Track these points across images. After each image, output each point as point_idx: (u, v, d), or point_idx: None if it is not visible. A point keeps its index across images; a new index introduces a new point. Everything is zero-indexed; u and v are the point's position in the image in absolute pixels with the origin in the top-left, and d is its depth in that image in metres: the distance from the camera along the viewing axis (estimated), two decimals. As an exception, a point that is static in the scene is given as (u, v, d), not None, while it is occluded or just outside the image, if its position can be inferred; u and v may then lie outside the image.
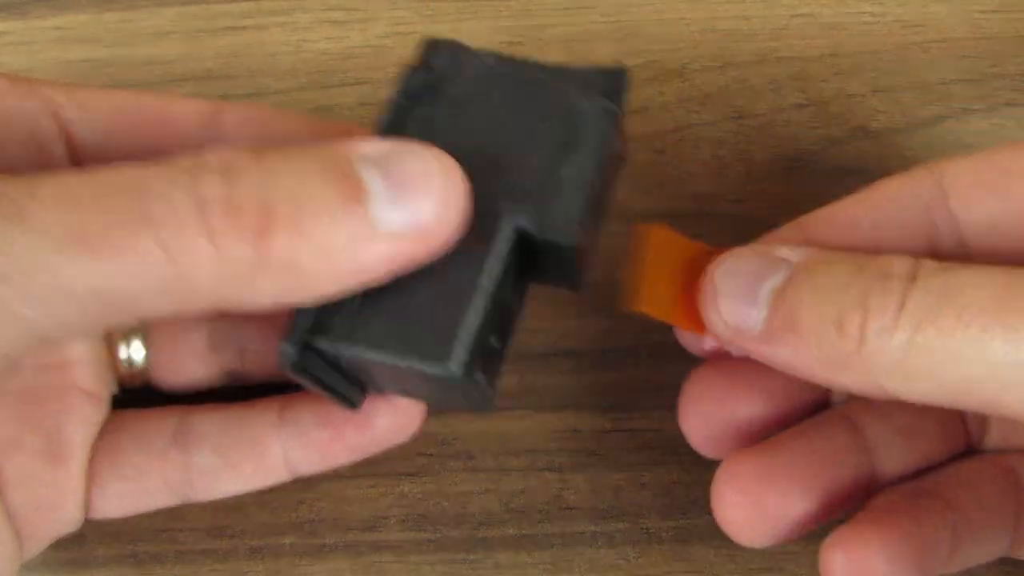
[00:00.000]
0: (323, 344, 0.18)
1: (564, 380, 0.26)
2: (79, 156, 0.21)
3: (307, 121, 0.22)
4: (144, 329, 0.24)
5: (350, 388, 0.21)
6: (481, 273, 0.18)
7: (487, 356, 0.19)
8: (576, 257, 0.19)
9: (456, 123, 0.20)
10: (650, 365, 0.26)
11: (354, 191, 0.16)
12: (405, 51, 0.29)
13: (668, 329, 0.26)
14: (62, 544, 0.24)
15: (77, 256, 0.15)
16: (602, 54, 0.29)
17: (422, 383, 0.19)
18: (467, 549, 0.25)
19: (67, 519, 0.22)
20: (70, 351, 0.22)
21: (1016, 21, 0.29)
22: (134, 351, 0.24)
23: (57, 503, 0.22)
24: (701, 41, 0.29)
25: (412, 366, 0.18)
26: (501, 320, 0.19)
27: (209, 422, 0.23)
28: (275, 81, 0.29)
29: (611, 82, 0.20)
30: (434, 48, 0.21)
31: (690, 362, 0.26)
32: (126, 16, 0.29)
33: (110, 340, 0.24)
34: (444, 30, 0.29)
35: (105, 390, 0.23)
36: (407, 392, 0.21)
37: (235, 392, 0.24)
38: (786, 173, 0.27)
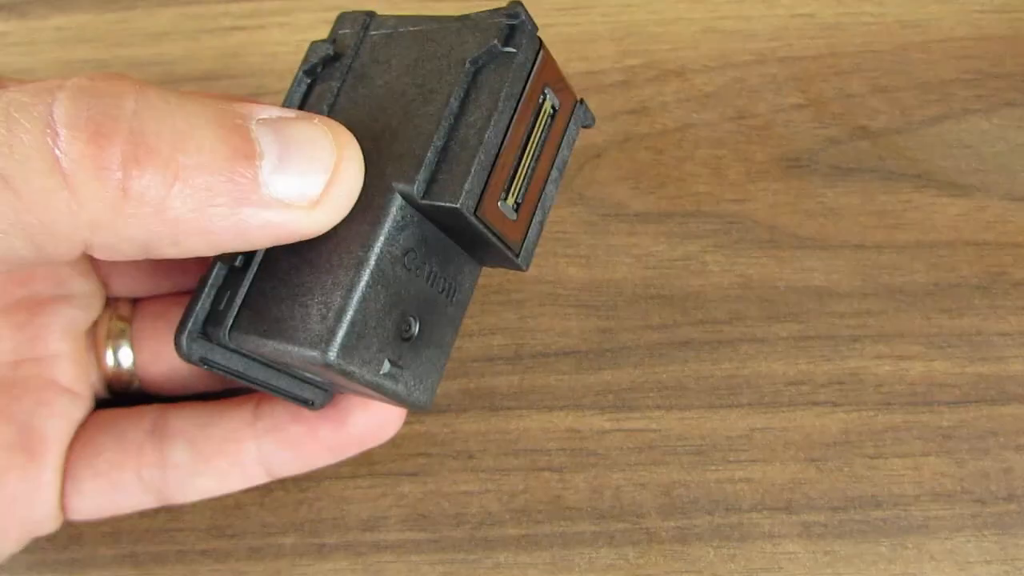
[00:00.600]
0: (216, 335, 0.18)
1: (564, 380, 0.26)
2: None
3: None
4: (131, 331, 0.23)
5: (296, 384, 0.20)
6: (367, 248, 0.16)
7: (396, 344, 0.17)
8: (483, 225, 0.17)
9: (355, 93, 0.19)
10: (650, 365, 0.26)
11: (245, 148, 0.15)
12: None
13: (668, 329, 0.26)
14: (62, 544, 0.24)
15: None
16: (602, 54, 0.29)
17: (328, 374, 0.18)
18: (467, 549, 0.25)
19: (40, 517, 0.21)
20: (50, 345, 0.22)
21: (1016, 21, 0.29)
22: (121, 354, 0.23)
23: (29, 499, 0.21)
24: (701, 41, 0.29)
25: (294, 353, 0.17)
26: (420, 305, 0.18)
27: (185, 418, 0.22)
28: (275, 81, 0.29)
29: (509, 23, 0.18)
30: (342, 21, 0.20)
31: (690, 362, 0.26)
32: (126, 16, 0.29)
33: (96, 340, 0.23)
34: (444, 30, 0.29)
35: (86, 388, 0.23)
36: (341, 387, 0.20)
37: (222, 395, 0.24)
38: (786, 173, 0.27)
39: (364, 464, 0.25)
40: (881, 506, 0.24)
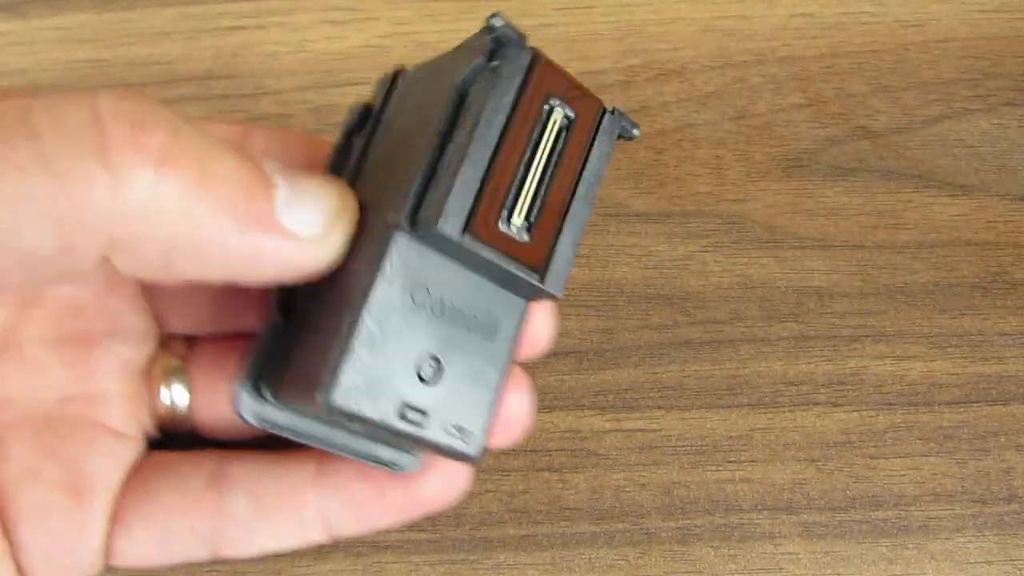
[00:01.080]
0: (267, 394, 0.18)
1: (564, 380, 0.26)
2: None
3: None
4: (187, 371, 0.22)
5: (367, 444, 0.19)
6: (366, 288, 0.16)
7: (415, 386, 0.17)
8: (480, 247, 0.16)
9: (378, 143, 0.19)
10: (650, 365, 0.26)
11: (262, 176, 0.16)
12: (405, 51, 0.29)
13: (668, 329, 0.26)
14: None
15: None
16: (602, 54, 0.29)
17: (341, 420, 0.17)
18: (467, 549, 0.25)
19: (84, 562, 0.20)
20: (102, 384, 0.21)
21: (1016, 21, 0.29)
22: (176, 394, 0.22)
23: (74, 542, 0.20)
24: (701, 41, 0.29)
25: (308, 401, 0.16)
26: (442, 344, 0.17)
27: (246, 468, 0.21)
28: (275, 81, 0.29)
29: (492, 38, 0.17)
30: (378, 84, 0.21)
31: (690, 362, 0.26)
32: (126, 16, 0.29)
33: (150, 379, 0.22)
34: (444, 30, 0.29)
35: (138, 429, 0.22)
36: (399, 444, 0.19)
37: (278, 443, 0.22)
38: (786, 173, 0.27)
39: (364, 464, 0.25)
40: (881, 506, 0.24)
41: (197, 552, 0.21)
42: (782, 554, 0.24)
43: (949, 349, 0.26)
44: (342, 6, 0.29)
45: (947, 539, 0.24)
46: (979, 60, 0.28)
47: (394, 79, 0.21)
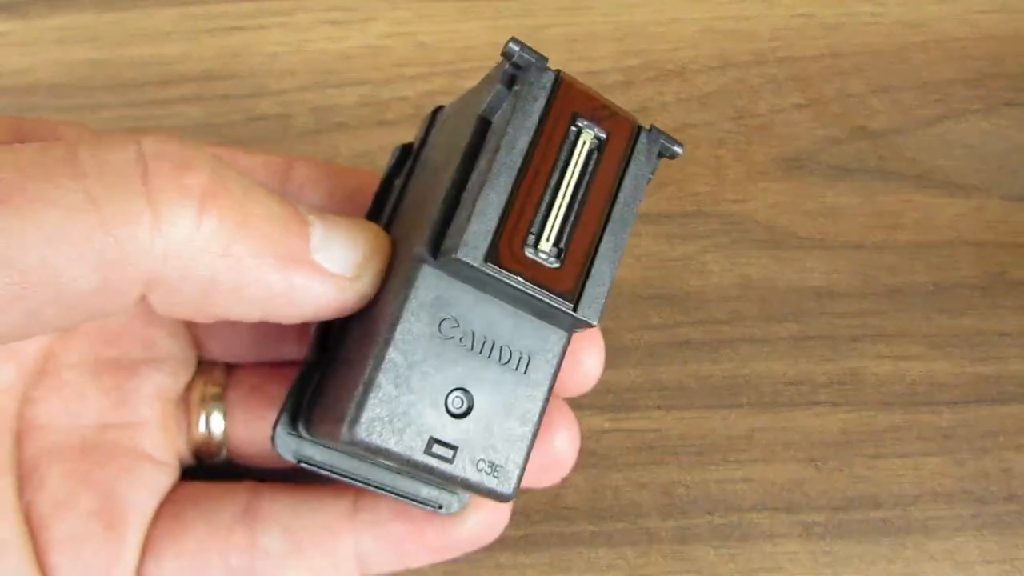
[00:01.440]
0: (304, 431, 0.18)
1: (564, 380, 0.26)
2: None
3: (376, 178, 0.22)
4: (224, 398, 0.22)
5: (410, 483, 0.19)
6: (392, 321, 0.16)
7: (444, 420, 0.16)
8: (505, 275, 0.16)
9: (415, 182, 0.20)
10: (650, 365, 0.26)
11: (298, 216, 0.17)
12: (405, 51, 0.29)
13: (668, 329, 0.26)
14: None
15: None
16: (602, 54, 0.29)
17: (364, 453, 0.17)
18: (467, 549, 0.25)
19: None
20: (138, 411, 0.21)
21: (1016, 21, 0.29)
22: (213, 421, 0.22)
23: (106, 571, 0.19)
24: (701, 41, 0.29)
25: (334, 437, 0.16)
26: (472, 377, 0.17)
27: (280, 502, 0.21)
28: (275, 81, 0.29)
29: (511, 63, 0.16)
30: (421, 121, 0.21)
31: (690, 362, 0.26)
32: (126, 16, 0.30)
33: (188, 405, 0.22)
34: (444, 30, 0.29)
35: (173, 457, 0.22)
36: (431, 481, 0.19)
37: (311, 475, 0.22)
38: (786, 173, 0.27)
39: (364, 464, 0.25)
40: (881, 506, 0.24)
41: None
42: (782, 554, 0.24)
43: (949, 349, 0.26)
44: (342, 6, 0.29)
45: (947, 539, 0.24)
46: (979, 60, 0.28)
47: (433, 117, 0.21)
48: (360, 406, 0.15)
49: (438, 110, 0.21)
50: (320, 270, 0.17)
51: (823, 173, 0.27)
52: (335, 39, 0.29)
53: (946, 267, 0.27)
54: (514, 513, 0.25)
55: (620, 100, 0.28)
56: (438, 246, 0.16)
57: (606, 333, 0.26)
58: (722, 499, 0.25)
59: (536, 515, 0.25)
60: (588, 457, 0.25)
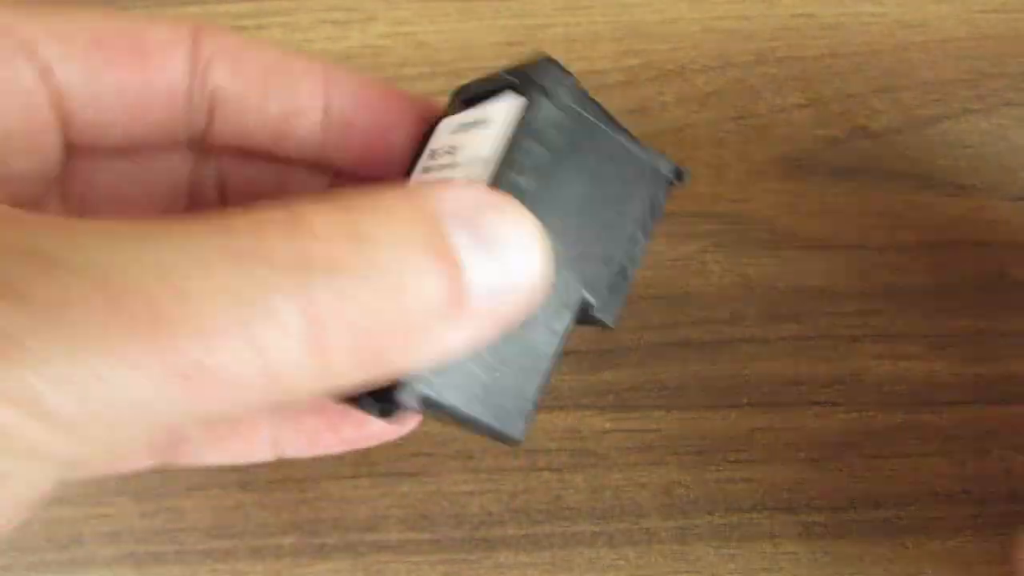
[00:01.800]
0: (424, 389, 0.18)
1: (564, 380, 0.26)
2: (64, 103, 0.18)
3: (370, 84, 0.20)
4: None
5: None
6: (554, 344, 0.17)
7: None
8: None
9: (557, 168, 0.18)
10: (650, 365, 0.26)
11: (450, 268, 0.14)
12: (405, 51, 0.29)
13: (668, 329, 0.26)
14: (62, 544, 0.24)
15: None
16: (602, 54, 0.29)
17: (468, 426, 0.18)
18: (467, 549, 0.25)
19: None
20: None
21: (1016, 21, 0.29)
22: None
23: None
24: (701, 41, 0.29)
25: (484, 426, 0.17)
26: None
27: None
28: (275, 81, 0.29)
29: (669, 170, 0.20)
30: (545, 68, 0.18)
31: (690, 362, 0.26)
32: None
33: None
34: (444, 30, 0.29)
35: None
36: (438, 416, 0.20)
37: None
38: (786, 173, 0.27)
39: (364, 464, 0.25)
40: (881, 506, 0.24)
41: (147, 461, 0.20)
42: (782, 554, 0.24)
43: (949, 349, 0.26)
44: (342, 6, 0.29)
45: (947, 539, 0.24)
46: (979, 60, 0.28)
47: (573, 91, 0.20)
48: (527, 416, 0.17)
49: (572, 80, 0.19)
50: (476, 313, 0.14)
51: (823, 173, 0.27)
52: (335, 39, 0.29)
53: (946, 267, 0.27)
54: (515, 513, 0.25)
55: (620, 100, 0.28)
56: (601, 304, 0.18)
57: (607, 333, 0.26)
58: (722, 499, 0.25)
59: (537, 515, 0.25)
60: (588, 457, 0.25)
